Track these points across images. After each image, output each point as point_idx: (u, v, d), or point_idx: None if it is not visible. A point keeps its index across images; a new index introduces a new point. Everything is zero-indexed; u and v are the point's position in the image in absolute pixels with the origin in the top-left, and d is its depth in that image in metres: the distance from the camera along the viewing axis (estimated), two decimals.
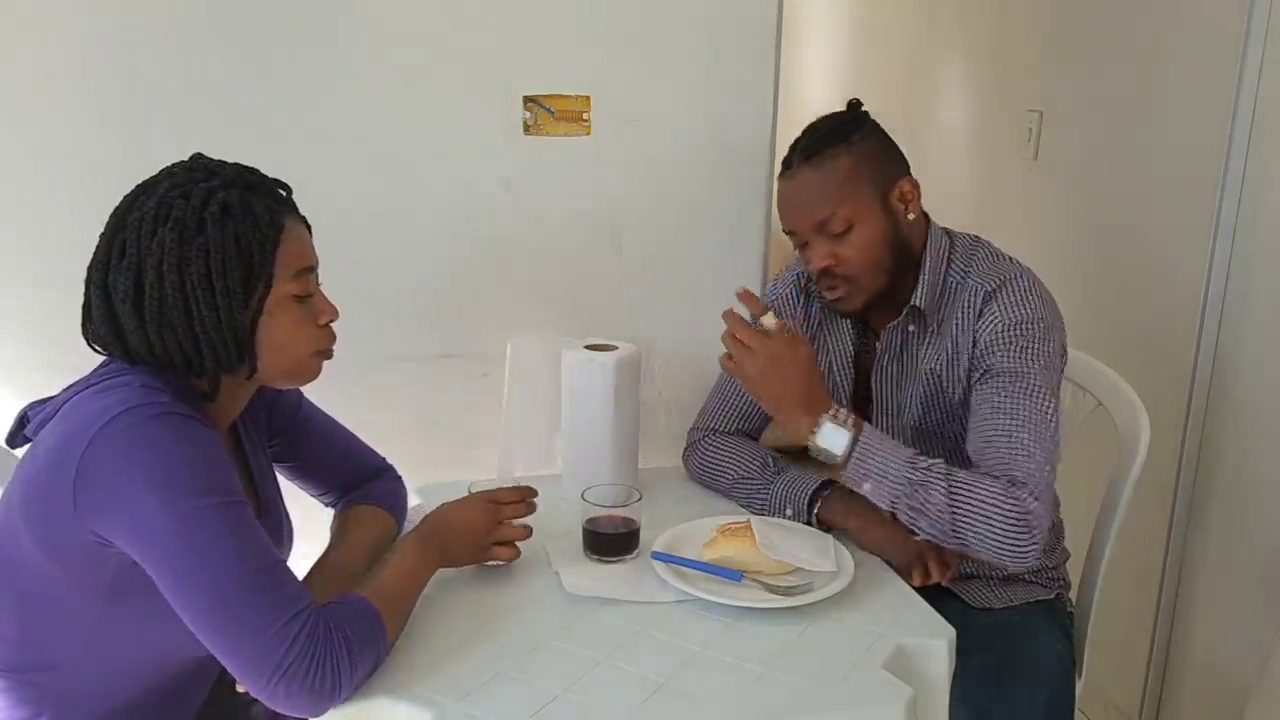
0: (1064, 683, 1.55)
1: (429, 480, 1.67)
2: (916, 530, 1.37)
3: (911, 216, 1.51)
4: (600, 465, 1.61)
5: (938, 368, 1.54)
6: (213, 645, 1.07)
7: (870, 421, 1.57)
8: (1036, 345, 1.45)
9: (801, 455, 1.49)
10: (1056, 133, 2.60)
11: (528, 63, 1.85)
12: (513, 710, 1.09)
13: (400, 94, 1.83)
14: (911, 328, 1.56)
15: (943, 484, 1.33)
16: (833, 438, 1.36)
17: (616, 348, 1.64)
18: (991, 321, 1.47)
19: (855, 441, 1.36)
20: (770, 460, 1.62)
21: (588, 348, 1.64)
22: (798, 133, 1.53)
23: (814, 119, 1.54)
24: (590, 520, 1.42)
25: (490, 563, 1.41)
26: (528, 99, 1.86)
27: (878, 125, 1.53)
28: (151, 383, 1.12)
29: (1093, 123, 2.44)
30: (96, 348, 1.18)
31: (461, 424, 1.98)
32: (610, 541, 1.42)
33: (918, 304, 1.52)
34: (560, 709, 1.10)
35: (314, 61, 1.79)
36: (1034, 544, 1.32)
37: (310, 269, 1.22)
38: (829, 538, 1.43)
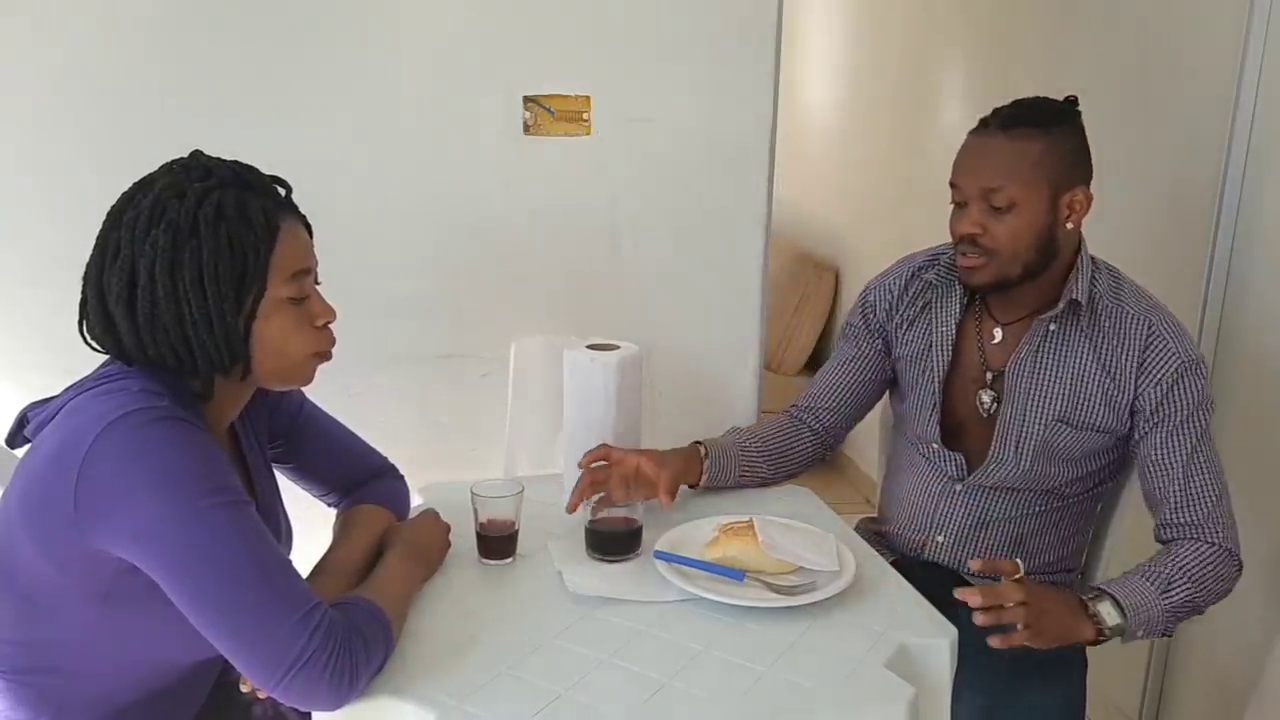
0: (1078, 680, 1.55)
1: (430, 480, 1.66)
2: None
3: (1070, 226, 1.51)
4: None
5: (1083, 379, 1.54)
6: (224, 643, 1.07)
7: (998, 418, 1.59)
8: (1203, 383, 1.52)
9: None
10: None
11: (528, 63, 1.85)
12: (516, 709, 1.09)
13: (400, 94, 1.83)
14: (1053, 326, 1.56)
15: (1190, 588, 1.43)
16: (1113, 614, 1.38)
17: (618, 347, 1.64)
18: (1163, 363, 1.50)
19: (1120, 605, 1.39)
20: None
21: (589, 347, 1.64)
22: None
23: (1021, 98, 1.56)
24: (593, 520, 1.42)
25: (492, 562, 1.41)
26: (528, 99, 1.86)
27: (1082, 128, 1.53)
28: (150, 386, 1.12)
29: (1092, 122, 2.44)
30: (93, 345, 1.17)
31: (462, 424, 1.98)
32: (613, 541, 1.42)
33: (1078, 297, 1.52)
34: (563, 708, 1.10)
35: (314, 61, 1.79)
36: (1231, 591, 1.49)
37: (307, 271, 1.20)
38: (831, 537, 1.43)
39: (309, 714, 1.22)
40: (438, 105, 1.84)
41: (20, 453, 1.18)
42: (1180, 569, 1.44)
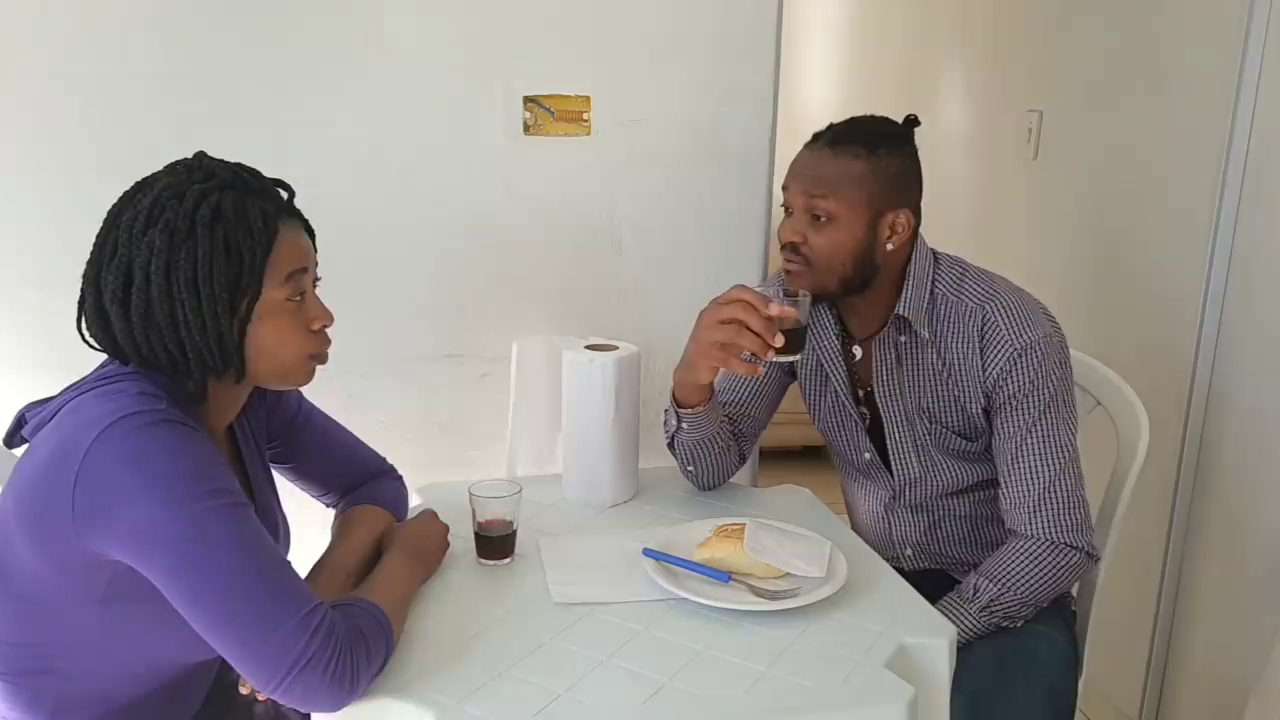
0: (1067, 678, 1.55)
1: (429, 480, 1.66)
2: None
3: (890, 248, 1.52)
4: (600, 465, 1.61)
5: (943, 386, 1.56)
6: (224, 645, 1.06)
7: (885, 438, 1.62)
8: (1040, 365, 1.49)
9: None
10: (1056, 132, 2.60)
11: (528, 63, 1.85)
12: (515, 710, 1.09)
13: (401, 94, 1.83)
14: (903, 338, 1.57)
15: (994, 588, 1.49)
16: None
17: (617, 348, 1.64)
18: (998, 350, 1.50)
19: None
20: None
21: (588, 348, 1.64)
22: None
23: (857, 115, 1.55)
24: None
25: (490, 562, 1.41)
26: (528, 99, 1.86)
27: (914, 151, 1.54)
28: (148, 389, 1.12)
29: (1093, 123, 2.44)
30: (91, 343, 1.17)
31: (462, 424, 1.98)
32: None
33: (903, 313, 1.54)
34: (562, 708, 1.10)
35: (314, 61, 1.79)
36: (1082, 573, 1.53)
37: (304, 270, 1.20)
38: (826, 543, 1.42)
39: (309, 714, 1.22)
40: (438, 105, 1.84)
41: (18, 453, 1.18)
42: (983, 573, 1.51)
